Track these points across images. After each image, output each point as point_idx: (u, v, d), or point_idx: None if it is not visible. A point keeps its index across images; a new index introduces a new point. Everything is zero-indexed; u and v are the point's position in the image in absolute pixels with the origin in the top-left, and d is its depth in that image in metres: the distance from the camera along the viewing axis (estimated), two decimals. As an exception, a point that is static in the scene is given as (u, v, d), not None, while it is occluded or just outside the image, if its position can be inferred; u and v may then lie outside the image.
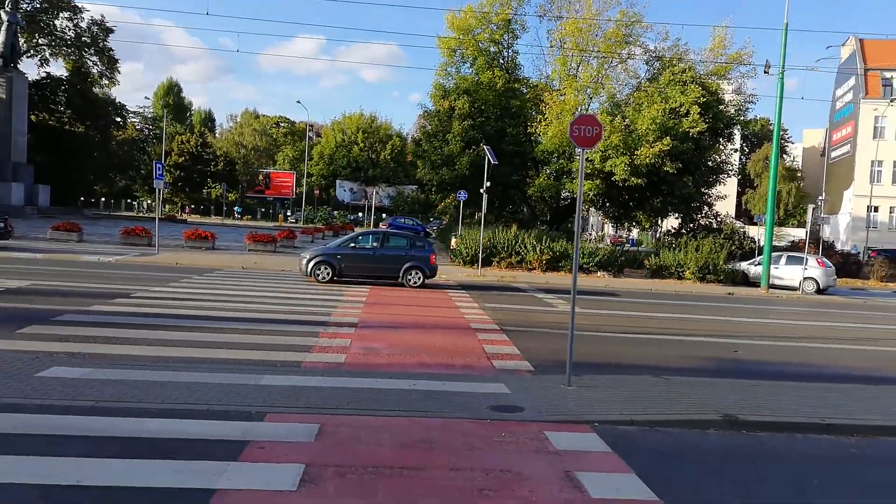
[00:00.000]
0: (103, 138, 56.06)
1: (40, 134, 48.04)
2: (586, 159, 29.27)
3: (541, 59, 41.64)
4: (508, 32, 35.34)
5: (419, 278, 18.38)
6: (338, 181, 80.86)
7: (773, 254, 26.69)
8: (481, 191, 25.15)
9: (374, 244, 18.90)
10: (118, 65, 55.67)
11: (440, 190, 36.70)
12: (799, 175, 72.93)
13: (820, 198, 46.13)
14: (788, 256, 27.39)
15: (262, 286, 16.68)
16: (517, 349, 10.41)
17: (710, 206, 34.47)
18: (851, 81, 49.19)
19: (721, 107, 31.30)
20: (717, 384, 8.47)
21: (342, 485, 4.76)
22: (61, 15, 51.02)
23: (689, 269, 26.50)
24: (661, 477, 5.30)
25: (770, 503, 5.04)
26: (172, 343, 9.27)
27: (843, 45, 51.70)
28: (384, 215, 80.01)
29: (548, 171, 33.30)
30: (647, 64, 33.58)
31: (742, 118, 34.42)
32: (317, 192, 78.57)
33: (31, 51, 51.66)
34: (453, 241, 30.45)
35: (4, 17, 41.49)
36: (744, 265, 27.67)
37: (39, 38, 51.42)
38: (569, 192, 33.15)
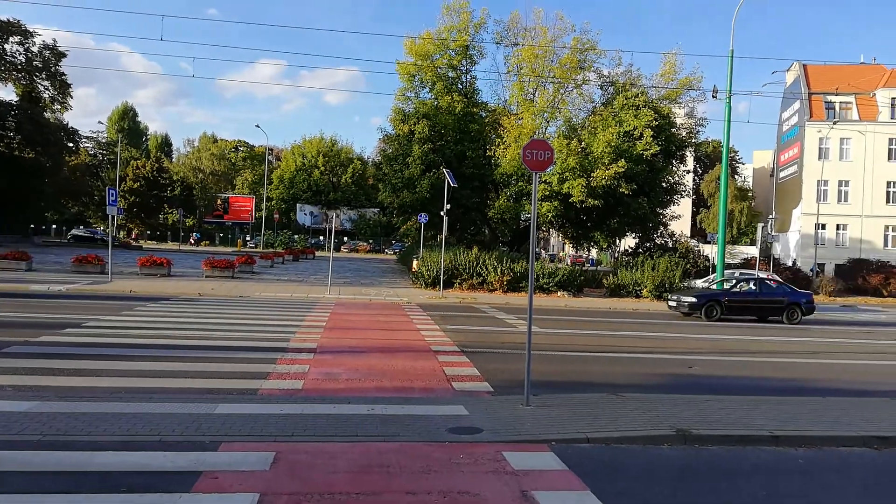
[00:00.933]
0: (55, 164, 54.60)
1: (-13, 160, 46.58)
2: (544, 181, 29.84)
3: (498, 83, 42.31)
4: (466, 58, 35.90)
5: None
6: (298, 205, 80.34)
7: (726, 271, 27.42)
8: (441, 213, 25.31)
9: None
10: (71, 89, 54.46)
11: (401, 213, 36.76)
12: (750, 195, 75.24)
13: (770, 216, 47.64)
14: (741, 274, 28.16)
15: (219, 312, 16.40)
16: (477, 370, 10.45)
17: (666, 225, 35.32)
18: (797, 105, 51.24)
19: (673, 130, 32.27)
20: (672, 400, 8.64)
21: (297, 513, 4.70)
22: (11, 39, 49.80)
23: (646, 287, 27.03)
24: (615, 493, 5.38)
25: (720, 515, 5.15)
26: (124, 373, 9.04)
27: (787, 70, 53.91)
28: (345, 238, 79.79)
29: (507, 194, 33.71)
30: (601, 89, 34.49)
31: (693, 140, 35.55)
32: (276, 216, 77.86)
33: (-22, 75, 50.25)
34: (415, 263, 30.50)
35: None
36: (699, 283, 28.34)
37: (-13, 62, 50.06)
38: (528, 213, 33.57)
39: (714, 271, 27.64)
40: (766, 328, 20.17)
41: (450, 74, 36.02)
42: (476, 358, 11.55)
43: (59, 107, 55.53)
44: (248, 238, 75.82)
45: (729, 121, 25.99)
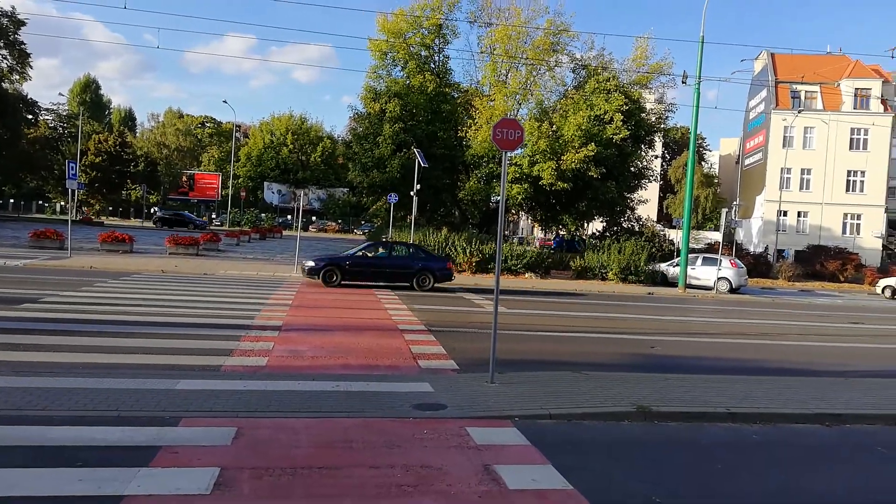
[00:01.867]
0: (13, 136, 52.81)
1: (-60, 130, 44.84)
2: (515, 163, 29.89)
3: (471, 64, 42.12)
4: (439, 37, 35.56)
5: None
6: (266, 183, 79.19)
7: (690, 255, 27.94)
8: (412, 193, 25.20)
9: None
10: (30, 60, 52.58)
11: (371, 192, 36.50)
12: (716, 181, 76.51)
13: (735, 203, 48.58)
14: (704, 258, 28.73)
15: (183, 290, 16.14)
16: (443, 349, 10.49)
17: (633, 209, 35.75)
18: (763, 93, 52.06)
19: (643, 115, 32.53)
20: (633, 378, 8.80)
21: (257, 486, 4.67)
22: (-35, 5, 47.82)
23: (612, 270, 27.40)
24: (576, 467, 5.47)
25: (675, 487, 5.28)
26: (83, 349, 8.85)
27: (756, 58, 54.68)
28: (314, 217, 78.99)
29: (478, 175, 33.69)
30: (573, 72, 34.55)
31: (663, 126, 35.92)
32: (243, 194, 76.67)
33: (-69, 42, 48.17)
34: (384, 243, 30.33)
35: None
36: (663, 266, 28.83)
37: (-60, 28, 48.00)
38: (498, 195, 33.67)
39: (678, 255, 28.11)
40: (726, 310, 20.64)
41: (422, 53, 35.68)
42: (443, 337, 11.59)
43: (17, 77, 53.61)
44: (213, 216, 74.56)
45: (697, 106, 26.32)
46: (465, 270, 26.54)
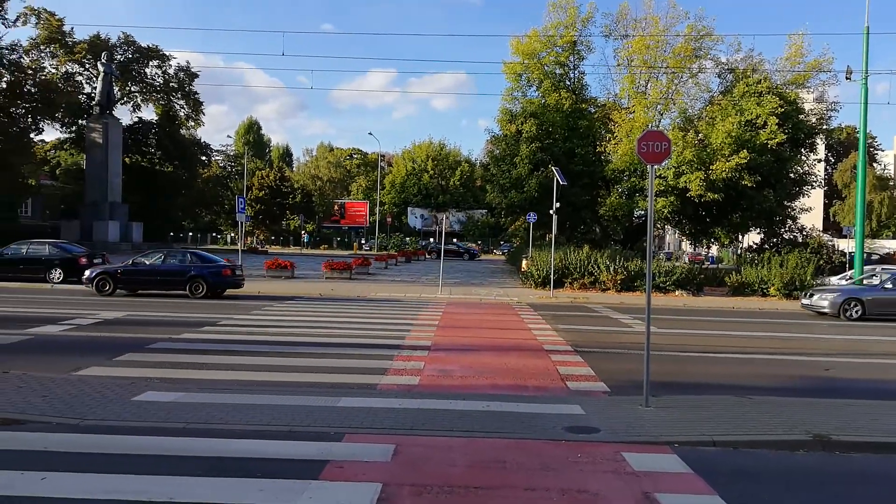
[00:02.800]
0: (190, 176, 59.40)
1: (133, 174, 51.46)
2: (659, 175, 28.75)
3: (608, 78, 41.36)
4: (574, 54, 35.27)
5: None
6: (409, 208, 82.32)
7: (866, 267, 25.14)
8: (551, 212, 25.03)
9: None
10: (203, 107, 59.14)
11: (509, 213, 36.70)
12: (891, 183, 68.61)
13: (917, 206, 43.21)
14: (884, 269, 25.71)
15: (339, 311, 17.16)
16: (592, 370, 10.25)
17: (794, 219, 32.93)
18: (947, 81, 46.22)
19: (801, 116, 30.07)
20: (806, 403, 8.06)
21: (418, 503, 4.83)
22: (151, 63, 54.83)
23: (773, 285, 25.32)
24: (745, 499, 5.10)
25: (867, 528, 4.75)
26: (256, 368, 9.67)
27: (935, 43, 48.70)
28: (454, 239, 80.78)
29: (619, 190, 32.76)
30: (719, 77, 32.78)
31: (825, 127, 32.92)
32: (388, 219, 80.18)
33: (125, 98, 55.65)
34: (524, 263, 30.37)
35: (101, 68, 44.97)
36: (834, 280, 26.18)
37: (132, 85, 55.35)
38: (641, 210, 32.50)
39: (851, 267, 25.41)
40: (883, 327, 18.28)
41: (557, 71, 35.55)
42: (590, 357, 11.33)
43: (192, 123, 60.47)
44: (363, 241, 78.63)
45: (866, 103, 23.83)
46: (609, 289, 25.79)
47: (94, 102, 46.44)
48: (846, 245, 34.39)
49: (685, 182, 27.88)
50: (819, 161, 36.55)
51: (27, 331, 12.38)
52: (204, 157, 65.30)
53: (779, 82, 30.11)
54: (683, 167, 28.02)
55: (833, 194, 71.76)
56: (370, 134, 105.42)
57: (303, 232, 76.39)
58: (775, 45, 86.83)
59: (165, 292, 20.04)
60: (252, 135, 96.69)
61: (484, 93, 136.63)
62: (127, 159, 51.07)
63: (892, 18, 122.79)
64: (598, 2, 52.95)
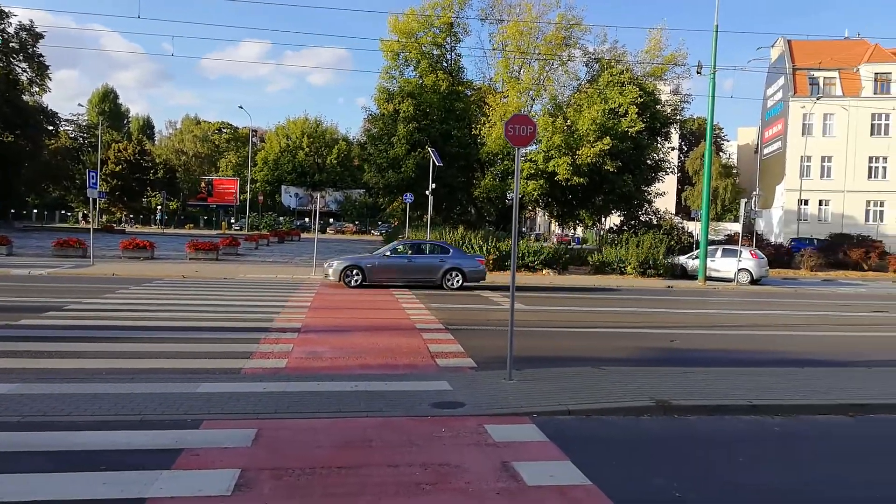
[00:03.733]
0: (34, 147, 53.78)
1: (-36, 144, 45.78)
2: (530, 159, 29.84)
3: (483, 61, 42.13)
4: (451, 35, 35.58)
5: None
6: (283, 187, 79.83)
7: (710, 247, 27.64)
8: (427, 192, 25.23)
9: None
10: (49, 71, 53.55)
11: (387, 193, 36.63)
12: (735, 171, 75.62)
13: (754, 193, 47.99)
14: (724, 249, 28.40)
15: (203, 294, 16.33)
16: (461, 347, 10.49)
17: (650, 202, 35.46)
18: (781, 81, 51.33)
19: (658, 107, 32.28)
20: (652, 372, 8.74)
21: (278, 486, 4.72)
22: (-15, 20, 48.77)
23: (630, 264, 27.19)
24: (595, 462, 5.45)
25: (696, 481, 5.24)
26: (106, 355, 8.99)
27: (772, 46, 53.90)
28: (331, 220, 79.47)
29: (493, 172, 33.63)
30: (586, 66, 34.39)
31: (678, 117, 35.60)
32: (260, 198, 77.34)
33: (-47, 57, 49.22)
34: (400, 243, 30.44)
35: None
36: (682, 259, 28.55)
37: (-39, 44, 49.04)
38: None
39: (698, 247, 27.83)
40: (746, 301, 20.40)
41: (434, 52, 35.73)
42: (461, 335, 11.59)
43: (37, 89, 54.59)
44: (232, 221, 75.33)
45: (713, 97, 26.01)
46: (482, 268, 26.49)
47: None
48: (694, 227, 37.57)
49: (554, 166, 29.12)
50: (673, 149, 39.53)
51: None
52: (51, 127, 59.32)
53: (639, 74, 32.12)
54: (552, 152, 29.24)
55: (685, 180, 77.93)
56: (240, 107, 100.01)
57: (159, 208, 71.70)
58: (637, 39, 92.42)
59: None
60: (108, 104, 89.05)
61: (363, 69, 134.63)
62: (-44, 126, 45.37)
63: (741, 17, 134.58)
64: (475, -15, 53.75)
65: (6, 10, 48.54)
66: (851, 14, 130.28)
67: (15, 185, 53.57)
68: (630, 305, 18.25)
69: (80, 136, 76.35)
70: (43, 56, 52.08)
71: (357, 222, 79.26)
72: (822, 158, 48.87)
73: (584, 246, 40.28)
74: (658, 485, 5.10)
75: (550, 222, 78.59)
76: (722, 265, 27.27)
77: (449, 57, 36.63)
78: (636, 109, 29.11)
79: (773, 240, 47.12)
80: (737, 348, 12.06)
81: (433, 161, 25.25)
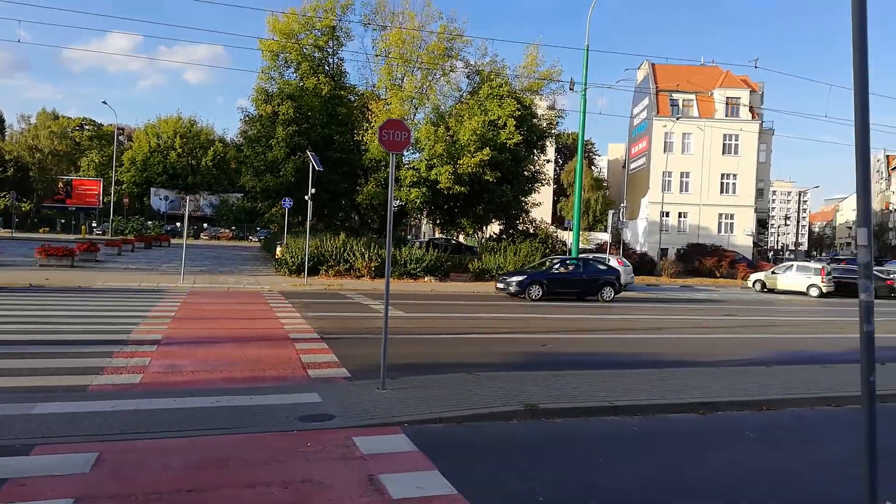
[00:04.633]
0: None
1: None
2: (412, 167, 29.97)
3: (367, 67, 41.86)
4: (333, 39, 34.97)
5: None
6: (152, 189, 75.04)
7: (581, 255, 28.98)
8: (306, 198, 24.59)
9: None
10: None
11: (265, 197, 35.26)
12: (605, 185, 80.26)
13: (622, 205, 51.10)
14: (594, 258, 29.89)
15: (53, 304, 14.87)
16: (336, 357, 10.22)
17: (527, 212, 36.66)
18: (646, 101, 55.16)
19: (535, 120, 33.47)
20: (524, 377, 8.92)
21: (116, 516, 4.28)
22: None
23: (508, 270, 27.92)
24: (462, 471, 5.42)
25: (558, 483, 5.34)
26: (-77, 374, 7.88)
27: (638, 67, 57.84)
28: (206, 224, 75.68)
29: (377, 179, 33.35)
30: (468, 77, 35.01)
31: (553, 131, 37.13)
32: (126, 200, 72.21)
33: None
34: (278, 250, 29.53)
35: None
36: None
37: None
38: (398, 199, 33.57)
39: (570, 255, 29.09)
40: (613, 307, 21.56)
41: (316, 55, 34.95)
42: (336, 344, 11.30)
43: None
44: (94, 224, 69.67)
45: (584, 112, 27.39)
46: (364, 275, 26.21)
47: None
48: (568, 236, 39.35)
49: (436, 175, 29.36)
50: (549, 161, 41.25)
51: None
52: None
53: (517, 87, 33.14)
54: (435, 160, 29.48)
55: (560, 192, 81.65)
56: (104, 103, 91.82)
57: (22, 218, 65.14)
58: (516, 54, 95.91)
59: None
60: (-53, 93, 79.65)
61: (241, 69, 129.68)
62: None
63: (613, 39, 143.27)
64: (358, -10, 53.24)
65: None
66: (707, 40, 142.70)
67: None
68: (507, 311, 18.70)
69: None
70: None
71: (234, 227, 75.91)
72: (682, 174, 52.96)
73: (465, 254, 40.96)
74: (522, 489, 5.15)
75: (434, 230, 79.53)
76: (592, 272, 28.63)
77: (331, 61, 36.00)
78: (514, 122, 30.00)
79: (638, 249, 50.33)
80: (604, 351, 12.65)
81: (313, 165, 24.66)
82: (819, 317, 22.08)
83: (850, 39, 4.30)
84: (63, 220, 71.01)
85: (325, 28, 33.97)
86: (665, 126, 51.98)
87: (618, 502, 5.08)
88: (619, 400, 7.86)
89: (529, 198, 35.89)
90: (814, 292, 30.24)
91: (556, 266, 23.81)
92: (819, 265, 32.87)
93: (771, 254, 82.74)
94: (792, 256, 78.43)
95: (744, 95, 51.97)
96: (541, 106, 35.36)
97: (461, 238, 57.76)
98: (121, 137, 79.20)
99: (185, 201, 25.87)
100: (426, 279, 27.20)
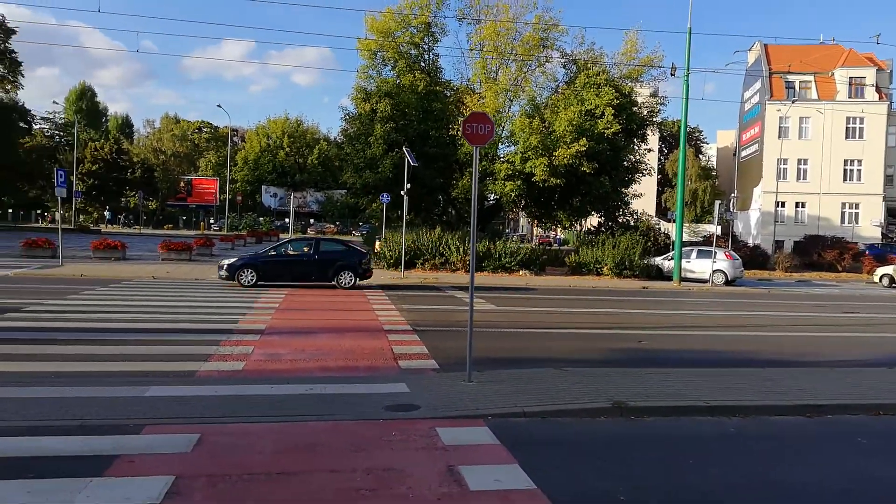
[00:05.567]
0: (7, 146, 52.82)
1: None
2: (507, 160, 29.81)
3: (461, 62, 41.91)
4: (428, 35, 35.39)
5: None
6: (263, 187, 79.16)
7: (685, 248, 27.81)
8: (402, 193, 25.09)
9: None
10: (21, 68, 52.57)
11: (365, 193, 36.30)
12: (714, 174, 76.31)
13: (732, 195, 48.42)
14: (699, 251, 28.59)
15: (171, 295, 16.07)
16: (426, 348, 10.39)
17: (628, 204, 35.52)
18: (758, 84, 51.88)
19: (634, 108, 32.34)
20: (614, 373, 8.69)
21: (211, 494, 4.58)
22: (-46, 15, 47.82)
23: (606, 265, 27.26)
24: (543, 465, 5.37)
25: (642, 482, 5.17)
26: (59, 357, 8.76)
27: (749, 49, 54.48)
28: (312, 220, 78.96)
29: (471, 173, 33.52)
30: (564, 67, 34.36)
31: (655, 119, 35.72)
32: (239, 198, 76.61)
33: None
34: (377, 244, 30.32)
35: None
36: (658, 260, 28.68)
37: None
38: (493, 192, 33.57)
39: (674, 248, 27.97)
40: (728, 302, 20.50)
41: (412, 52, 35.52)
42: (427, 336, 11.49)
43: (9, 86, 53.61)
44: (211, 221, 74.52)
45: (687, 98, 26.19)
46: (458, 269, 26.44)
47: None
48: (672, 228, 37.82)
49: (531, 167, 29.07)
50: (650, 151, 39.53)
51: None
52: (24, 125, 58.32)
53: (616, 75, 32.16)
54: (529, 153, 29.19)
55: (665, 182, 78.47)
56: (219, 106, 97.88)
57: (148, 214, 70.74)
58: (615, 40, 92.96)
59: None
60: (85, 102, 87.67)
61: (347, 69, 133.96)
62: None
63: (717, 19, 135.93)
64: (453, -15, 53.53)
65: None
66: (826, 18, 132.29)
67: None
68: (603, 306, 18.25)
69: (57, 135, 75.21)
70: (15, 52, 51.13)
71: (338, 223, 78.78)
72: (799, 161, 49.43)
73: (563, 247, 40.35)
74: (604, 488, 5.02)
75: (533, 224, 78.83)
76: (697, 266, 27.44)
77: (426, 57, 36.45)
78: (612, 111, 29.15)
79: (750, 241, 47.53)
80: (704, 348, 12.07)
81: (408, 161, 25.12)
82: (957, 315, 19.98)
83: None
84: (185, 217, 76.43)
85: (421, 25, 34.41)
86: (779, 110, 48.67)
87: (706, 506, 4.85)
88: (714, 400, 7.48)
89: (630, 189, 34.75)
90: (952, 288, 27.38)
91: (283, 248, 20.58)
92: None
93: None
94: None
95: (869, 74, 47.70)
96: (642, 94, 34.14)
97: (558, 231, 56.83)
98: (234, 138, 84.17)
99: (291, 198, 27.12)
100: (521, 273, 27.04)
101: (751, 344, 12.98)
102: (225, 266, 19.02)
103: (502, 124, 32.35)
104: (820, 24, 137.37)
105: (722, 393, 7.81)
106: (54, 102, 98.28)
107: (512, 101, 33.27)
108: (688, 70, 25.80)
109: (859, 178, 48.14)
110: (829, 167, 48.38)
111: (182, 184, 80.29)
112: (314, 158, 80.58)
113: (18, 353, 8.92)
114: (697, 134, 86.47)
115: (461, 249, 26.73)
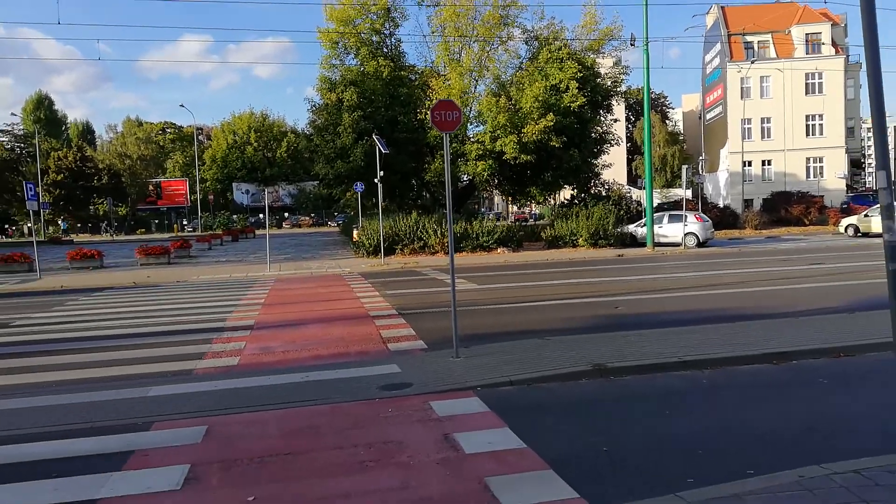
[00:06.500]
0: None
1: None
2: (477, 140, 30.12)
3: (424, 45, 42.12)
4: (389, 21, 35.38)
5: None
6: (234, 184, 78.59)
7: (656, 214, 28.48)
8: (375, 180, 25.30)
9: None
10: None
11: (338, 183, 36.39)
12: (681, 138, 77.29)
13: (700, 157, 49.31)
14: (670, 215, 29.29)
15: (155, 299, 16.23)
16: (413, 330, 10.76)
17: (598, 175, 36.08)
18: (718, 47, 52.68)
19: (598, 80, 32.74)
20: (593, 339, 9.15)
21: (226, 477, 4.93)
22: None
23: (581, 236, 27.85)
24: (531, 427, 5.80)
25: (622, 435, 5.62)
26: (57, 367, 8.98)
27: (707, 13, 55.20)
28: (286, 214, 78.63)
29: (441, 156, 33.72)
30: (526, 44, 34.56)
31: (619, 89, 36.20)
32: (211, 197, 75.98)
33: None
34: (355, 233, 30.55)
35: None
36: (631, 227, 29.35)
37: None
38: (466, 173, 33.87)
39: (645, 215, 28.62)
40: (700, 264, 21.17)
41: (374, 39, 35.48)
42: (413, 319, 11.86)
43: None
44: (185, 222, 73.90)
45: (648, 68, 26.69)
46: (437, 251, 26.81)
47: None
48: (643, 195, 38.52)
49: (501, 145, 29.41)
50: (616, 121, 40.05)
51: None
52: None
53: (577, 49, 32.50)
54: (498, 132, 29.50)
55: (635, 150, 79.24)
56: (181, 106, 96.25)
57: (119, 220, 69.87)
58: (574, 14, 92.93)
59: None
60: (43, 111, 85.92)
61: (308, 62, 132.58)
62: None
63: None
64: (410, -32, 53.42)
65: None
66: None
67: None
68: (580, 276, 18.78)
69: (17, 147, 73.62)
70: (-32, 66, 49.89)
71: (313, 215, 78.62)
72: (762, 120, 50.48)
73: (538, 222, 40.90)
74: (588, 441, 5.47)
75: (507, 201, 79.31)
76: (669, 230, 28.16)
77: (389, 42, 36.43)
78: (577, 84, 29.51)
79: (720, 202, 48.58)
80: (679, 309, 12.61)
81: (379, 149, 25.31)
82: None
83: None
84: (157, 221, 75.63)
85: (381, 10, 34.38)
86: (740, 71, 49.58)
87: (681, 450, 5.31)
88: (687, 355, 7.98)
89: (599, 160, 35.29)
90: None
91: None
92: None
93: (873, 197, 77.56)
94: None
95: (825, 30, 48.72)
96: (604, 65, 34.54)
97: (533, 207, 57.38)
98: (200, 137, 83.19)
99: (265, 193, 27.17)
100: (499, 250, 27.51)
101: (722, 301, 13.56)
102: None
103: (469, 105, 32.57)
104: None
105: (694, 348, 8.32)
106: (12, 114, 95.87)
107: (477, 80, 33.48)
108: (647, 39, 26.28)
109: (821, 133, 49.37)
110: (791, 124, 49.50)
111: (151, 187, 79.29)
112: (283, 151, 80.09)
113: (16, 366, 9.12)
114: (663, 100, 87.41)
115: (439, 232, 27.10)
